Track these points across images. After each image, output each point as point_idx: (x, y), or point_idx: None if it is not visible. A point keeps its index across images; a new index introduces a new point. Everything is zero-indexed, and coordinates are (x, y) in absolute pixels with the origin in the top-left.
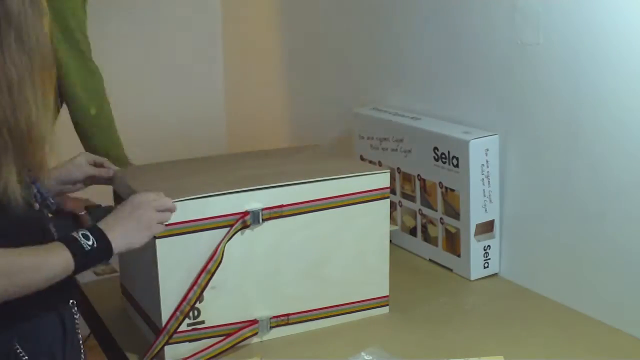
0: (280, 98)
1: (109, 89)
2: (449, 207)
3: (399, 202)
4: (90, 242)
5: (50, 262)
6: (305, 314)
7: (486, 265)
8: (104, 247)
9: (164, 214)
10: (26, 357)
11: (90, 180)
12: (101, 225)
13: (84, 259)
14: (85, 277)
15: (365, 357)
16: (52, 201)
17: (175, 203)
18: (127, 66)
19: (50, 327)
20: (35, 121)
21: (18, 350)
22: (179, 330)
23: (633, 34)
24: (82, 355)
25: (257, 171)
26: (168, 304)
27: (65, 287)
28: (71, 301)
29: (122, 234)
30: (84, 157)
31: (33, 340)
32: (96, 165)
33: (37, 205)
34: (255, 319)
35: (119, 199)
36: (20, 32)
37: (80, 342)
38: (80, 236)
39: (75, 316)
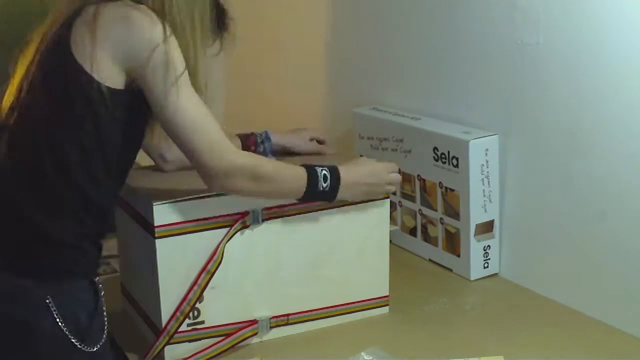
0: (280, 98)
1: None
2: (449, 207)
3: (399, 202)
4: (325, 185)
5: (290, 178)
6: (305, 314)
7: (486, 265)
8: (330, 196)
9: (390, 187)
10: (57, 314)
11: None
12: (341, 172)
13: (310, 195)
14: None
15: (365, 357)
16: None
17: (178, 203)
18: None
19: (83, 292)
20: (195, 63)
21: (50, 305)
22: (179, 330)
23: (633, 34)
24: (105, 329)
25: None
26: (168, 304)
27: (97, 261)
28: (97, 278)
29: (350, 194)
30: (310, 132)
31: (65, 300)
32: (318, 142)
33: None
34: (255, 319)
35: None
36: None
37: (105, 318)
38: (321, 176)
39: (102, 293)
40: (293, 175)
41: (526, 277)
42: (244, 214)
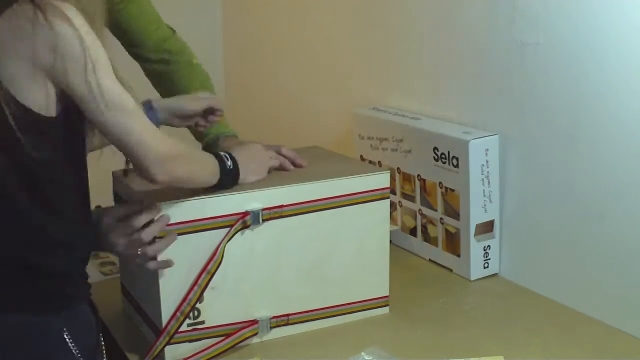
0: (280, 98)
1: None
2: (449, 207)
3: (399, 202)
4: (229, 164)
5: (212, 161)
6: (306, 314)
7: (486, 265)
8: (234, 175)
9: (274, 161)
10: (73, 345)
11: (202, 120)
12: (234, 155)
13: (223, 176)
14: (93, 277)
15: (365, 357)
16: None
17: (178, 203)
18: (126, 66)
19: (88, 315)
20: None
21: (67, 337)
22: (179, 330)
23: (633, 34)
24: (103, 343)
25: None
26: (168, 304)
27: (85, 277)
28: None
29: (246, 171)
30: (204, 94)
31: (77, 328)
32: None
33: None
34: (255, 319)
35: (119, 199)
36: None
37: (101, 336)
38: (223, 156)
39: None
40: (205, 155)
41: (526, 277)
42: (244, 214)
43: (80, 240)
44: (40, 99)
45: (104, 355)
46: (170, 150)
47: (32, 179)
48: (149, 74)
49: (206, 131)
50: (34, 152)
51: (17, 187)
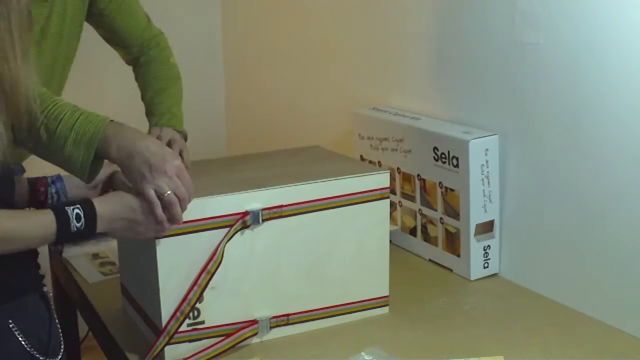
0: (280, 98)
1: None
2: (449, 207)
3: (399, 202)
4: (79, 225)
5: (34, 231)
6: (306, 314)
7: (486, 265)
8: (87, 234)
9: (162, 229)
10: (20, 335)
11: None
12: (96, 206)
13: (64, 238)
14: (93, 277)
15: (365, 357)
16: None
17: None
18: (126, 66)
19: (37, 307)
20: (15, 75)
21: (13, 328)
22: (179, 330)
23: (633, 34)
24: (61, 338)
25: (258, 173)
26: (168, 304)
27: (35, 268)
28: (45, 289)
29: (111, 228)
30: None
31: (24, 319)
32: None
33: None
34: (255, 319)
35: None
36: None
37: (60, 330)
38: (73, 215)
39: (49, 297)
40: (38, 225)
41: (526, 277)
42: (244, 214)
43: None
44: None
45: (62, 349)
46: None
47: None
48: (134, 69)
49: (155, 123)
50: None
51: None
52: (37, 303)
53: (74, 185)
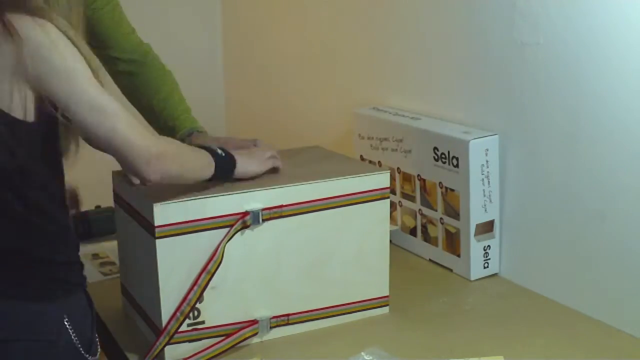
0: (280, 98)
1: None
2: (449, 207)
3: (399, 202)
4: (221, 153)
5: (199, 157)
6: (306, 314)
7: (486, 265)
8: (230, 164)
9: (275, 160)
10: (72, 330)
11: None
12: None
13: (220, 170)
14: (93, 277)
15: (365, 357)
16: None
17: (178, 203)
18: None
19: (84, 303)
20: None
21: (67, 323)
22: (179, 330)
23: (633, 34)
24: (97, 339)
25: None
26: (168, 304)
27: (81, 265)
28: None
29: (244, 165)
30: (235, 141)
31: (76, 315)
32: None
33: None
34: (255, 319)
35: (118, 199)
36: None
37: (96, 330)
38: (218, 150)
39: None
40: (196, 149)
41: (526, 277)
42: (244, 214)
43: (68, 232)
44: (18, 105)
45: (99, 346)
46: (158, 149)
47: (12, 183)
48: (117, 74)
49: (179, 126)
50: (9, 157)
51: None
52: (83, 298)
53: None
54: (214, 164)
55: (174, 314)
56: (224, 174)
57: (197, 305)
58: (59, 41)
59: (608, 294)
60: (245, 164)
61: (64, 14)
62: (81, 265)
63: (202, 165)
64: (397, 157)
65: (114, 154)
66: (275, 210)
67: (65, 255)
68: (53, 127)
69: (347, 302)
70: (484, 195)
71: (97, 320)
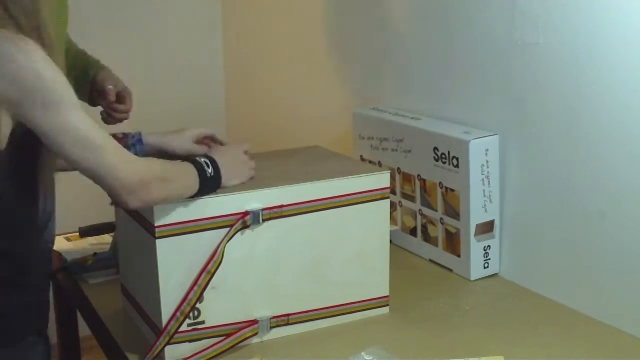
0: (280, 98)
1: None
2: (449, 207)
3: (399, 202)
4: (209, 170)
5: (183, 174)
6: (305, 314)
7: (486, 265)
8: (217, 181)
9: (251, 161)
10: None
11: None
12: (215, 159)
13: (204, 184)
14: (93, 277)
15: (365, 357)
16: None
17: (178, 203)
18: (126, 65)
19: (40, 351)
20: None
21: None
22: (179, 330)
23: (633, 34)
24: None
25: (258, 173)
26: (168, 304)
27: (45, 312)
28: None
29: (229, 175)
30: (193, 132)
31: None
32: (198, 142)
33: None
34: (255, 319)
35: None
36: None
37: None
38: (202, 162)
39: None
40: (182, 169)
41: (526, 277)
42: (244, 214)
43: (31, 277)
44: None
45: None
46: (142, 177)
47: None
48: None
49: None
50: None
51: None
52: (41, 348)
53: (155, 141)
54: (197, 184)
55: (174, 313)
56: (208, 192)
57: (197, 305)
58: (41, 68)
59: (608, 294)
60: (229, 180)
61: (48, 39)
62: (41, 312)
63: (186, 186)
64: (397, 157)
65: (97, 183)
66: (275, 210)
67: (5, 307)
68: (29, 156)
69: (347, 302)
70: (484, 195)
71: (97, 320)
